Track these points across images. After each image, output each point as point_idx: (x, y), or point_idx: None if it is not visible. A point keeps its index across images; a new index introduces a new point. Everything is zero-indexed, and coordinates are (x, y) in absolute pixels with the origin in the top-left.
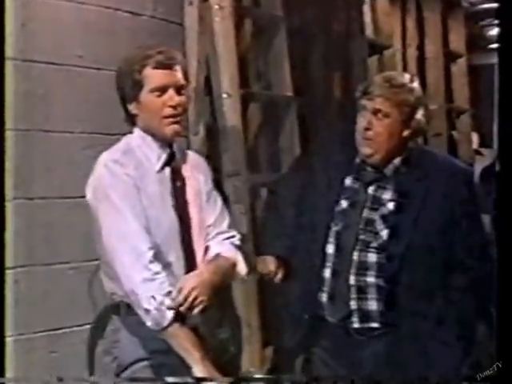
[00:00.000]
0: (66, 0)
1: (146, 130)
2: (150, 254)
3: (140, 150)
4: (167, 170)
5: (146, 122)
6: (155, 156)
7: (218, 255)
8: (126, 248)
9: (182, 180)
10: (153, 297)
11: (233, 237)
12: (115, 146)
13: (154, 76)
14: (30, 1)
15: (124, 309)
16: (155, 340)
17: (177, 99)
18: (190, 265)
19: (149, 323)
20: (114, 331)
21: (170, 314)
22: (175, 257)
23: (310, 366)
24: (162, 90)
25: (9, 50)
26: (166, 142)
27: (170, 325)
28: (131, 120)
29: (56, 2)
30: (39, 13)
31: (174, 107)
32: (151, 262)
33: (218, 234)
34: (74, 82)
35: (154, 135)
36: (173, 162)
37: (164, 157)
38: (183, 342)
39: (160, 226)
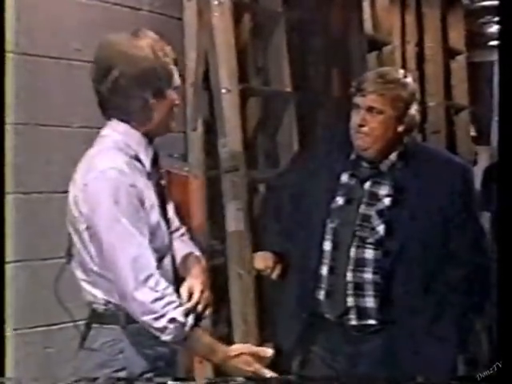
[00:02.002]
0: None
1: (147, 128)
2: (157, 272)
3: (129, 148)
4: (153, 169)
5: (159, 118)
6: (144, 153)
7: (191, 254)
8: (135, 270)
9: (163, 178)
10: (166, 314)
11: (184, 233)
12: (102, 146)
13: (175, 73)
14: None
15: (124, 318)
16: (159, 347)
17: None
18: (174, 265)
19: (167, 337)
20: (114, 342)
21: (189, 321)
22: (168, 260)
23: (308, 364)
24: (176, 89)
25: (7, 44)
26: (150, 140)
27: (190, 332)
28: (146, 115)
29: None
30: (37, 6)
31: (178, 105)
32: (158, 281)
33: (177, 230)
34: (72, 76)
35: (147, 133)
36: (157, 160)
37: (151, 154)
38: (206, 343)
39: (159, 230)
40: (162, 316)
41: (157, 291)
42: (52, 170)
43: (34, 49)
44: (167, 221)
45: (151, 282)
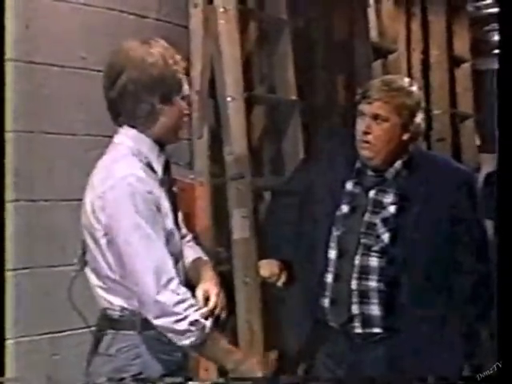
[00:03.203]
0: (69, 1)
1: (154, 134)
2: (176, 276)
3: (142, 154)
4: (165, 176)
5: (166, 125)
6: (156, 160)
7: (200, 259)
8: (157, 274)
9: (174, 185)
10: (188, 316)
11: (191, 239)
12: (118, 153)
13: (184, 82)
14: (33, 2)
15: (140, 323)
16: (174, 353)
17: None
18: (185, 271)
19: (186, 341)
20: (130, 347)
21: (208, 324)
22: (180, 265)
23: (313, 371)
24: (185, 98)
25: (12, 52)
26: (161, 147)
27: (208, 335)
28: (151, 119)
29: (59, 4)
30: (42, 14)
31: (188, 115)
32: (179, 284)
33: (184, 236)
34: (77, 84)
35: (156, 139)
36: (169, 167)
37: (163, 161)
38: (223, 346)
39: (173, 236)
40: (184, 318)
41: (178, 294)
42: (56, 178)
43: (40, 57)
44: (178, 227)
45: (172, 286)
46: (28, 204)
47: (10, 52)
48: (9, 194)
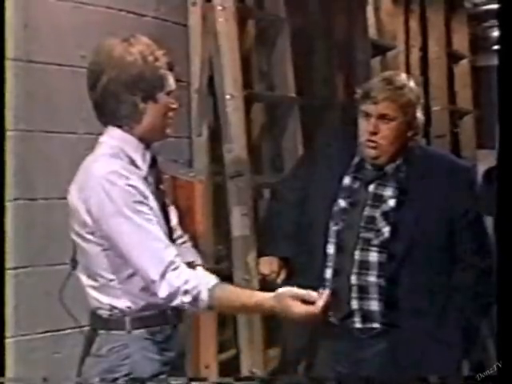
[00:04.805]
0: (68, 0)
1: (140, 132)
2: (175, 257)
3: (124, 153)
4: (150, 173)
5: (151, 122)
6: (140, 158)
7: (191, 263)
8: (156, 264)
9: (162, 183)
10: (193, 290)
11: (187, 240)
12: (97, 152)
13: (169, 78)
14: (33, 1)
15: (130, 323)
16: (166, 352)
17: (176, 103)
18: None
19: (196, 308)
20: (120, 347)
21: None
22: None
23: (313, 367)
24: (171, 93)
25: (12, 51)
26: (147, 145)
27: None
28: (135, 118)
29: (59, 3)
30: (42, 13)
31: (175, 110)
32: (178, 267)
33: (179, 237)
34: (77, 82)
35: (142, 137)
36: (155, 164)
37: (148, 159)
38: (239, 293)
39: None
40: (191, 293)
41: (179, 276)
42: (57, 177)
43: (39, 56)
44: (169, 227)
45: (172, 268)
46: (28, 203)
47: (9, 51)
48: (9, 193)
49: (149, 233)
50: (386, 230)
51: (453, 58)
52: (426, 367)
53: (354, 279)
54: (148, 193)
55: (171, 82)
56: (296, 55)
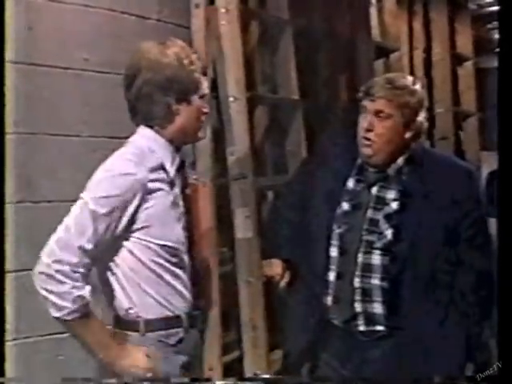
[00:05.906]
0: (71, 3)
1: (170, 133)
2: (75, 266)
3: (153, 153)
4: (178, 176)
5: (183, 124)
6: (170, 160)
7: None
8: (59, 244)
9: (188, 187)
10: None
11: None
12: (126, 151)
13: (203, 82)
14: (36, 4)
15: (144, 325)
16: (179, 355)
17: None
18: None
19: (59, 313)
20: None
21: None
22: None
23: (317, 370)
24: (204, 97)
25: (15, 54)
26: (177, 148)
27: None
28: (168, 118)
29: (62, 6)
30: (45, 16)
31: (207, 114)
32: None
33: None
34: (80, 85)
35: (173, 139)
36: (183, 168)
37: (177, 162)
38: (103, 335)
39: (172, 232)
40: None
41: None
42: (59, 179)
43: (42, 58)
44: (191, 230)
45: (58, 266)
46: (30, 205)
47: (11, 54)
48: (11, 196)
49: (85, 222)
50: (389, 233)
51: (456, 59)
52: (429, 369)
53: (357, 282)
54: (173, 199)
55: (205, 85)
56: (299, 57)
